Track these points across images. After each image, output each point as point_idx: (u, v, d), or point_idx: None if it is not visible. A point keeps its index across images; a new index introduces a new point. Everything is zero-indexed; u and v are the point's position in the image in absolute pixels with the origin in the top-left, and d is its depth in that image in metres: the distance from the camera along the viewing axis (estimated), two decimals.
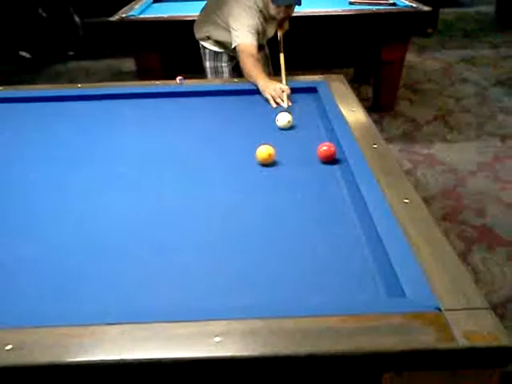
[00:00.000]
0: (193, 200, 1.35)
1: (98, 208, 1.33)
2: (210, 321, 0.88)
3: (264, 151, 1.50)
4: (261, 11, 2.35)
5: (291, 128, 1.76)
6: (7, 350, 0.84)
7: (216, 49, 2.61)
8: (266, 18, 2.41)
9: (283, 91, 1.95)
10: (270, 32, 2.56)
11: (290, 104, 1.93)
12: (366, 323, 0.86)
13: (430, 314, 0.87)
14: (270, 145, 1.52)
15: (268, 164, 1.50)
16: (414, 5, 3.47)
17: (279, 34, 2.50)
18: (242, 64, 2.27)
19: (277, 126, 1.75)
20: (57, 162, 1.58)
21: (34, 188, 1.44)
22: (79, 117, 1.93)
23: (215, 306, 0.95)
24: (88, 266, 1.10)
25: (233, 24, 2.32)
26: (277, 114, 1.77)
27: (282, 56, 2.25)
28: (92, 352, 0.84)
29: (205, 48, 2.65)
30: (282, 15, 2.31)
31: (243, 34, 2.28)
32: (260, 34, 2.37)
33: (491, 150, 3.27)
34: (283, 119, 1.74)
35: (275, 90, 1.96)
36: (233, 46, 2.34)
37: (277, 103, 1.94)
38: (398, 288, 0.94)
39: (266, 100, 1.98)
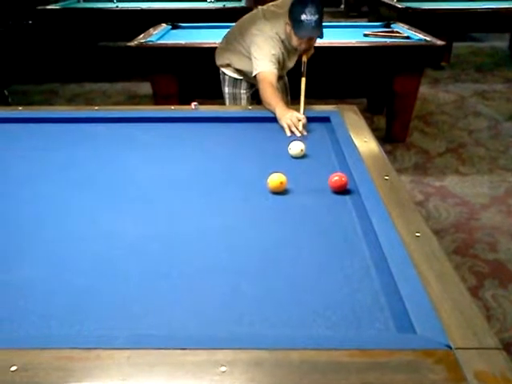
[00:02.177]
0: (203, 225, 1.35)
1: (106, 231, 1.34)
2: (217, 350, 0.87)
3: (276, 179, 1.50)
4: (282, 42, 2.39)
5: (304, 157, 1.77)
6: (12, 371, 0.84)
7: (236, 76, 2.66)
8: (288, 49, 2.45)
9: (299, 120, 1.96)
10: (290, 64, 2.60)
11: (305, 133, 1.94)
12: (374, 358, 0.85)
13: (440, 351, 0.85)
14: (282, 173, 1.52)
15: (279, 192, 1.51)
16: (427, 38, 3.51)
17: (304, 58, 2.54)
18: (261, 92, 2.30)
19: (289, 154, 1.76)
20: (68, 183, 1.60)
21: (44, 208, 1.45)
22: (94, 138, 1.96)
23: (222, 333, 0.94)
24: (95, 289, 1.10)
25: (254, 52, 2.36)
26: (290, 143, 1.78)
27: (303, 80, 2.26)
28: (96, 376, 0.84)
29: (225, 74, 2.70)
30: (303, 47, 2.34)
31: (264, 62, 2.31)
32: (280, 64, 2.40)
33: (504, 185, 3.25)
34: (296, 148, 1.75)
35: (291, 118, 1.98)
36: (253, 74, 2.37)
37: (292, 132, 1.96)
38: (407, 323, 0.93)
39: (282, 128, 2.00)
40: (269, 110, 2.15)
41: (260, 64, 2.33)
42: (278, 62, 2.37)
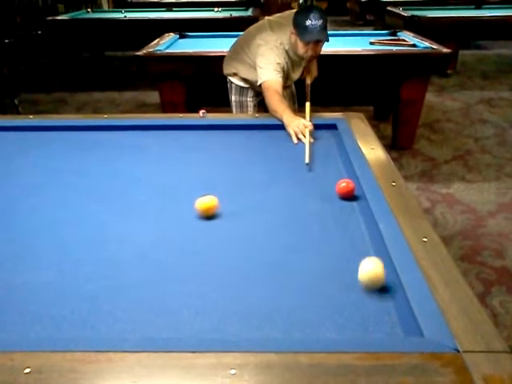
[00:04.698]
0: (211, 230, 1.37)
1: (116, 235, 1.35)
2: (226, 353, 0.88)
3: (206, 202, 1.42)
4: (287, 52, 2.41)
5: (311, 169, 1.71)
6: (26, 373, 0.85)
7: (242, 84, 2.69)
8: (292, 60, 2.47)
9: (306, 127, 1.98)
10: (295, 76, 2.62)
11: (312, 141, 1.95)
12: (382, 361, 0.85)
13: (448, 355, 0.86)
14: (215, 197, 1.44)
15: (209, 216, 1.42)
16: (434, 46, 3.53)
17: (307, 81, 2.55)
18: (266, 100, 2.32)
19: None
20: (78, 190, 1.62)
21: (53, 214, 1.47)
22: (103, 146, 1.99)
23: (231, 336, 0.95)
24: (106, 292, 1.11)
25: (259, 62, 2.39)
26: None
27: (308, 105, 2.27)
28: (108, 378, 0.85)
29: (232, 83, 2.73)
30: (310, 53, 2.36)
31: (269, 71, 2.34)
32: (285, 73, 2.42)
33: (511, 192, 3.24)
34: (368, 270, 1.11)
35: (298, 125, 1.99)
36: (258, 83, 2.40)
37: (299, 139, 1.97)
38: (415, 327, 0.94)
39: (289, 135, 2.01)
40: (276, 117, 2.17)
41: (265, 73, 2.35)
42: (283, 71, 2.39)
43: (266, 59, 2.36)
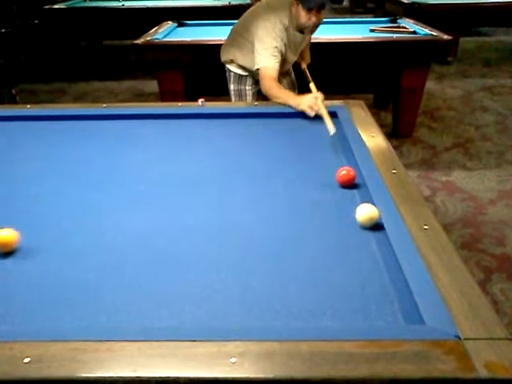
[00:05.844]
0: (212, 219, 1.36)
1: (116, 225, 1.35)
2: (227, 341, 0.88)
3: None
4: (287, 30, 2.39)
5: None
6: (25, 362, 0.85)
7: (240, 72, 2.66)
8: (292, 40, 2.45)
9: (317, 98, 1.98)
10: (292, 57, 2.60)
11: (326, 109, 1.95)
12: (383, 349, 0.85)
13: (449, 342, 0.86)
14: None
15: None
16: (434, 33, 3.49)
17: (303, 66, 2.55)
18: (265, 88, 2.31)
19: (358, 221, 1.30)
20: (76, 180, 1.61)
21: (53, 204, 1.46)
22: (102, 135, 1.98)
23: (232, 325, 0.95)
24: (106, 282, 1.11)
25: (257, 46, 2.37)
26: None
27: (311, 85, 2.29)
28: (108, 367, 0.85)
29: (230, 71, 2.71)
30: (313, 20, 2.35)
31: (266, 57, 2.32)
32: (283, 56, 2.41)
33: (511, 179, 3.23)
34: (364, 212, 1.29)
35: (309, 100, 2.00)
36: (255, 68, 2.38)
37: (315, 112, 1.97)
38: (416, 315, 0.93)
39: (305, 112, 2.01)
40: (279, 103, 2.15)
41: (262, 59, 2.34)
42: (281, 54, 2.37)
43: (264, 44, 2.34)
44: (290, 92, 2.16)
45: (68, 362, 0.86)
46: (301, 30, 2.47)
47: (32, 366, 0.85)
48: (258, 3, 2.61)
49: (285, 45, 2.40)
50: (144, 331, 0.93)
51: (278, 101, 2.17)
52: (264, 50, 2.34)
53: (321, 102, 1.96)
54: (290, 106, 2.09)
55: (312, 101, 1.98)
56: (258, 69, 2.38)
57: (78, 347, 0.88)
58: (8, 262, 1.19)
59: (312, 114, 1.97)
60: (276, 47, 2.34)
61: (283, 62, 2.46)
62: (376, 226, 1.26)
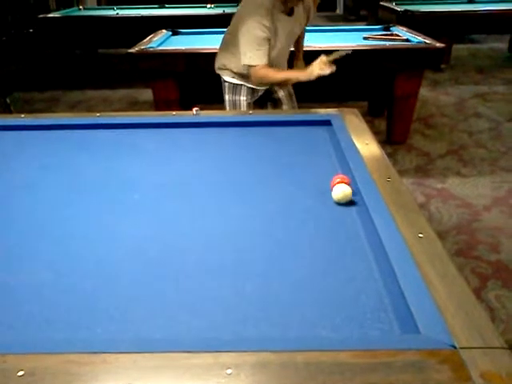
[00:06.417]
0: (206, 228, 1.36)
1: (110, 235, 1.34)
2: (222, 352, 0.87)
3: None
4: (271, 14, 2.36)
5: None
6: (19, 376, 0.84)
7: (235, 81, 2.65)
8: (278, 25, 2.43)
9: (322, 60, 2.05)
10: (280, 43, 2.52)
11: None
12: (379, 359, 0.85)
13: (445, 351, 0.85)
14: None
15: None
16: (427, 41, 3.52)
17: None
18: (264, 80, 2.32)
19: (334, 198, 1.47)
20: (71, 188, 1.61)
21: (46, 213, 1.45)
22: (96, 145, 1.97)
23: (227, 336, 0.95)
24: (100, 292, 1.10)
25: (241, 42, 2.37)
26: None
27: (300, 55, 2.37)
28: (103, 380, 0.84)
29: (224, 81, 2.71)
30: None
31: (252, 53, 2.33)
32: (271, 44, 2.39)
33: (506, 186, 3.25)
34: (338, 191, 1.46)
35: (317, 65, 2.08)
36: (242, 63, 2.39)
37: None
38: (411, 324, 0.93)
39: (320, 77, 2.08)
40: (291, 83, 2.19)
41: (249, 56, 2.34)
42: (268, 40, 2.35)
43: (248, 38, 2.34)
44: (292, 70, 2.19)
45: (62, 375, 0.85)
46: (288, 13, 2.45)
47: (26, 379, 0.84)
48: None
49: (270, 30, 2.35)
50: (139, 342, 0.92)
51: (287, 82, 2.21)
52: (250, 46, 2.33)
53: (328, 60, 2.02)
54: (301, 81, 2.14)
55: (319, 66, 2.05)
56: (246, 66, 2.38)
57: (72, 360, 0.88)
58: (0, 273, 1.18)
59: (328, 71, 2.06)
60: (263, 39, 2.32)
61: (277, 56, 2.45)
62: (371, 234, 1.26)
